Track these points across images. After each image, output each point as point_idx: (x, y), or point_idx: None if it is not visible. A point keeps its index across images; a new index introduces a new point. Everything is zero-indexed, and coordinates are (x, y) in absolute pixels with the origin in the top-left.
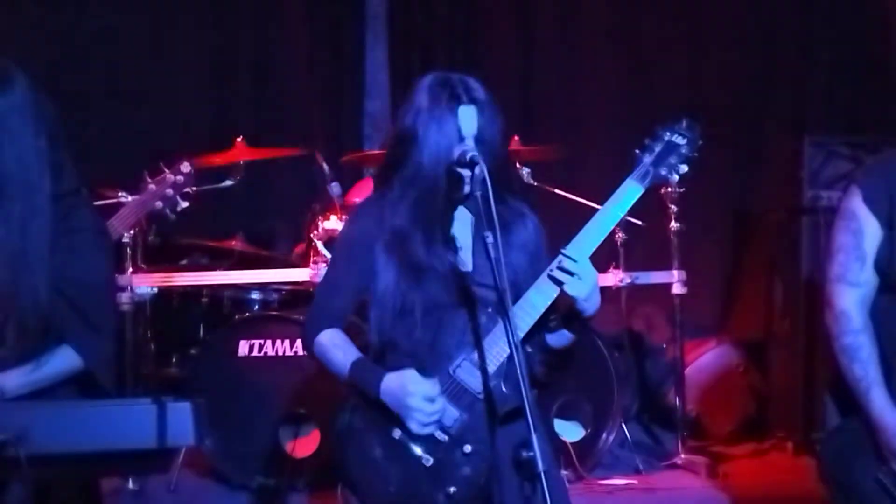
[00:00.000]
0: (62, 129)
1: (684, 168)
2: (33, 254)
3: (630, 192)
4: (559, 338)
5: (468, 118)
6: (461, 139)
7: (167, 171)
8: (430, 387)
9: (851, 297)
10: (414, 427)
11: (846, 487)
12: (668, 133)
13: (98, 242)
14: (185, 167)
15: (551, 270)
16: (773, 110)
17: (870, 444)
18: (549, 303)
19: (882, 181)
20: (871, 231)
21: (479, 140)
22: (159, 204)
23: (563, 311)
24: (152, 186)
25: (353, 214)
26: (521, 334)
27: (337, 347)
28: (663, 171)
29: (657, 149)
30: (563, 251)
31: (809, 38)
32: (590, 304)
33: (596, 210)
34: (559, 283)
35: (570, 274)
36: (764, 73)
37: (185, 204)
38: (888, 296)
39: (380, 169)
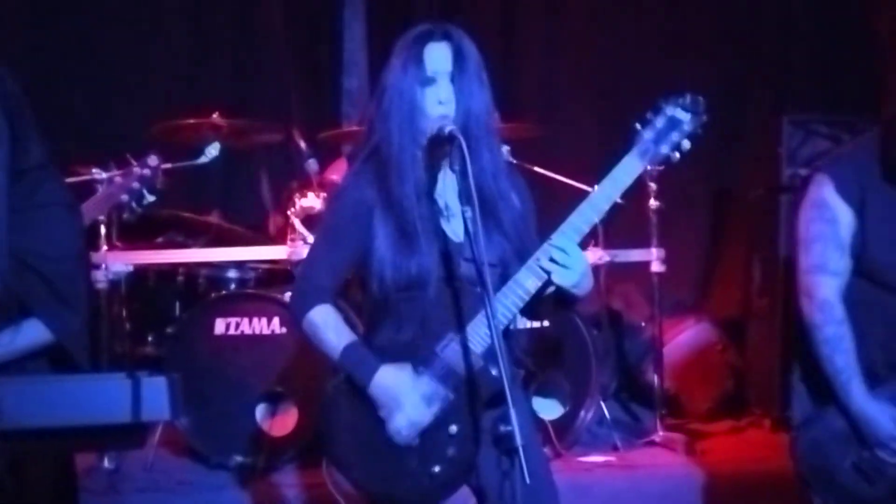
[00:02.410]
0: (27, 102)
1: (687, 145)
2: None
3: (629, 170)
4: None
5: (438, 55)
6: (428, 80)
7: (134, 162)
8: (428, 387)
9: (832, 286)
10: (399, 425)
11: (826, 477)
12: (670, 107)
13: (66, 217)
14: (153, 160)
15: (538, 260)
16: (753, 89)
17: (845, 431)
18: (540, 284)
19: (851, 170)
20: (846, 219)
21: (454, 79)
22: (125, 197)
23: (554, 292)
24: (119, 178)
25: (342, 184)
26: (511, 315)
27: (329, 328)
28: (665, 149)
29: (659, 124)
30: (549, 241)
31: (789, 18)
32: (580, 288)
33: (577, 189)
34: (546, 272)
35: (558, 263)
36: (744, 53)
37: (151, 197)
38: (861, 281)
39: (362, 136)
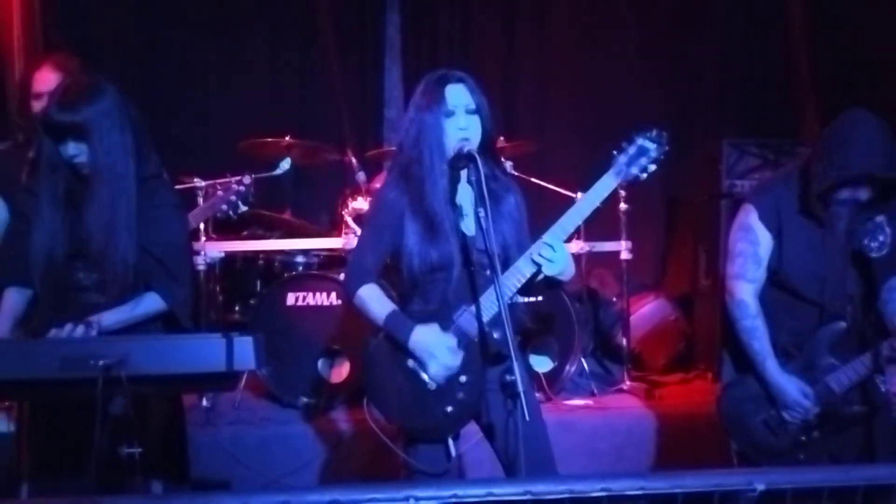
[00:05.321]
0: (146, 124)
1: (653, 168)
2: (121, 224)
3: (607, 185)
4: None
5: (457, 94)
6: (450, 113)
7: (233, 181)
8: (452, 341)
9: (748, 290)
10: (435, 370)
11: (740, 427)
12: (640, 138)
13: (176, 214)
14: (247, 179)
15: (532, 254)
16: (698, 116)
17: (757, 395)
18: (534, 270)
19: (771, 200)
20: (765, 241)
21: (476, 111)
22: (224, 206)
23: (545, 277)
24: (220, 193)
25: (381, 192)
26: (512, 293)
27: (373, 300)
28: (634, 171)
29: (631, 151)
30: (542, 239)
31: (727, 58)
32: (564, 275)
33: (565, 195)
34: (538, 265)
35: (546, 259)
36: (692, 86)
37: (244, 208)
38: (775, 289)
39: (394, 155)
